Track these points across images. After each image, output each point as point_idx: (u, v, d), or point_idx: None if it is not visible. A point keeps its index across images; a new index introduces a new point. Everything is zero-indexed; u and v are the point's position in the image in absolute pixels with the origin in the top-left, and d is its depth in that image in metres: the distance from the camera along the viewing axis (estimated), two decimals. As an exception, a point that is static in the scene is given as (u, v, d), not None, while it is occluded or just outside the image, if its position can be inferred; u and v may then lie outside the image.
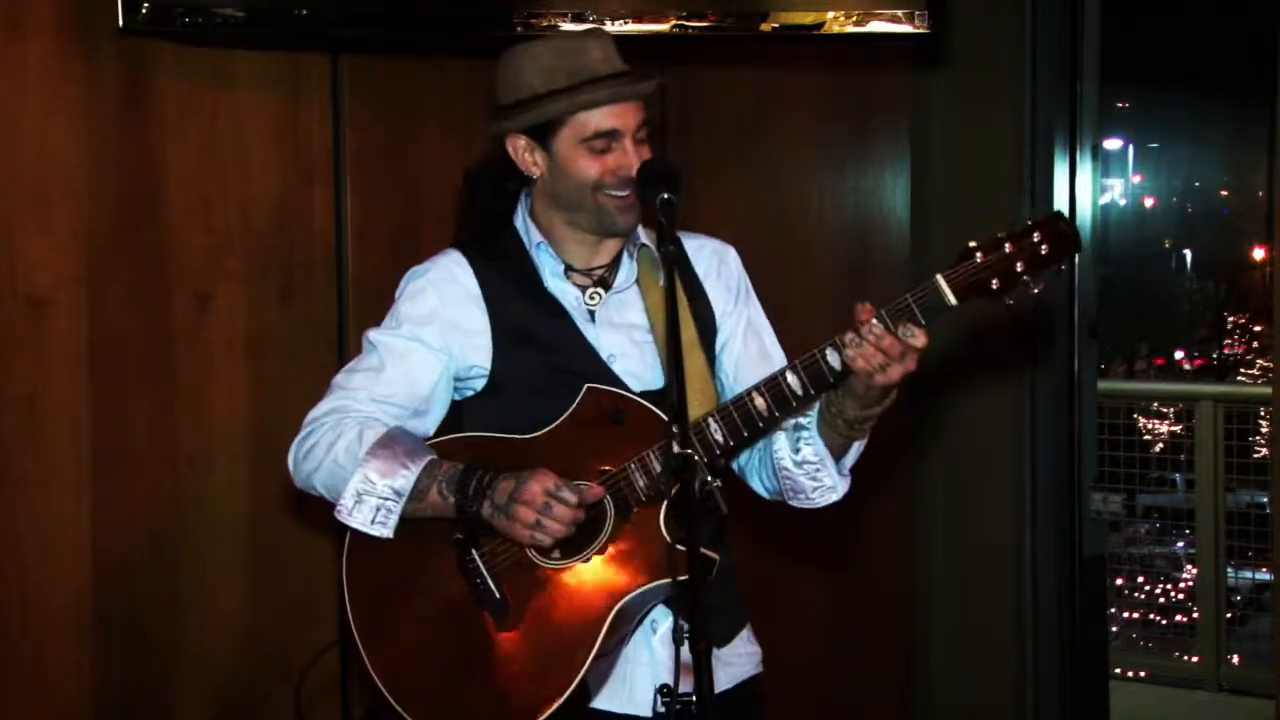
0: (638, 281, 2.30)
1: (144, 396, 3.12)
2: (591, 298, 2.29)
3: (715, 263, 2.38)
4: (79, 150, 3.03)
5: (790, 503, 2.31)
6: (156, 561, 3.14)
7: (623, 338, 2.28)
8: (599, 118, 2.20)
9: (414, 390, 2.25)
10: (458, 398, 2.30)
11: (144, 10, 2.91)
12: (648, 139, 2.24)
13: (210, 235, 3.18)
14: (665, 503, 2.10)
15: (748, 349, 2.36)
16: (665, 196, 2.05)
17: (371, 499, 2.14)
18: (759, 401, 2.09)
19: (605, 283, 2.30)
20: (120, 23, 2.91)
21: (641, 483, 2.12)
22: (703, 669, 1.80)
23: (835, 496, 2.27)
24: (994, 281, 2.01)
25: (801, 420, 2.23)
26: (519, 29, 3.09)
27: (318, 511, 3.24)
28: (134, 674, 3.12)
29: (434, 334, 2.26)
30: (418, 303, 2.28)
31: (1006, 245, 2.01)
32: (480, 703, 2.15)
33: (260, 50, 3.20)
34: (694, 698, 1.84)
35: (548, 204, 2.29)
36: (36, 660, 3.01)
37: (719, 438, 2.11)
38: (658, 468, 2.10)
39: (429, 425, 2.29)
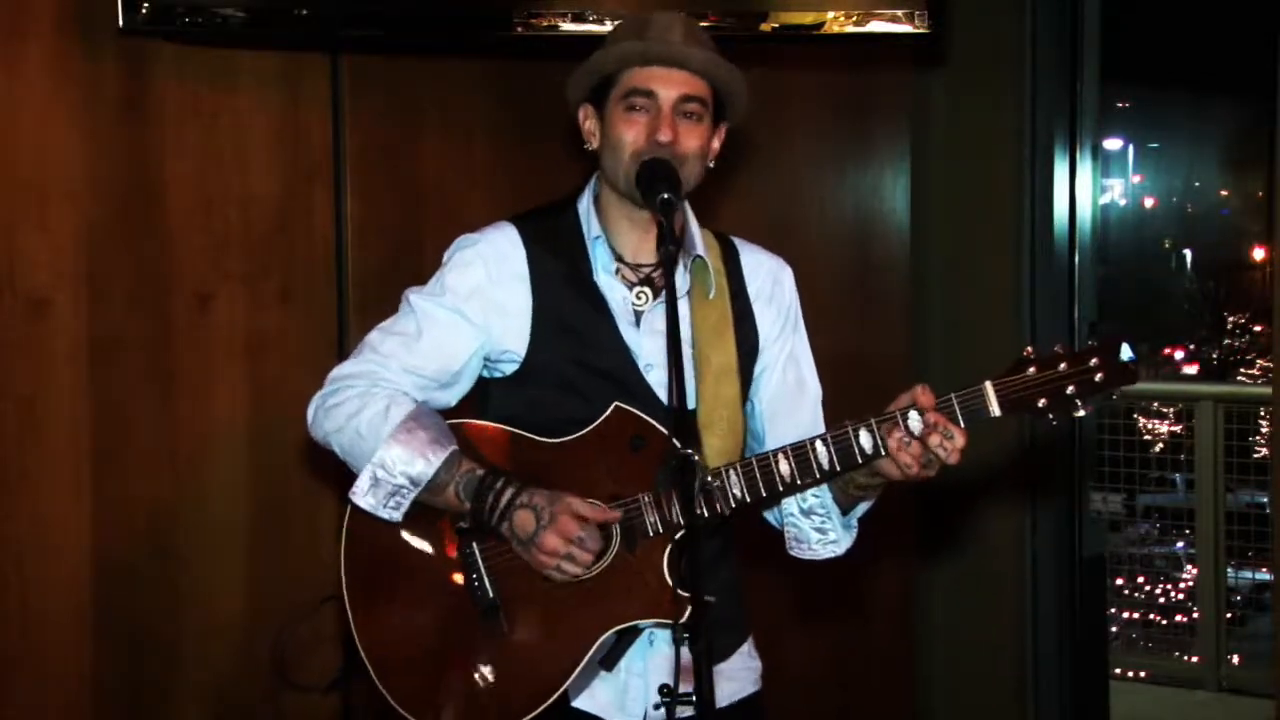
0: (689, 293, 2.23)
1: (144, 396, 3.12)
2: (638, 297, 2.21)
3: (769, 284, 2.32)
4: (79, 150, 3.03)
5: (791, 552, 2.28)
6: (156, 561, 3.14)
7: (662, 347, 2.18)
8: (637, 76, 2.12)
9: (446, 364, 2.19)
10: (486, 375, 2.25)
11: (144, 10, 2.92)
12: (701, 122, 2.14)
13: (210, 235, 3.18)
14: (670, 543, 2.09)
15: (786, 379, 2.31)
16: (665, 196, 2.02)
17: (386, 484, 2.11)
18: (783, 466, 2.07)
19: (651, 283, 2.21)
20: (120, 23, 2.92)
21: (650, 518, 2.09)
22: (702, 672, 1.79)
23: (839, 550, 2.27)
24: (1041, 400, 2.02)
25: None
26: (519, 29, 3.09)
27: (318, 510, 3.26)
28: (134, 674, 3.12)
29: (475, 310, 2.19)
30: (465, 274, 2.19)
31: (1062, 364, 2.01)
32: (455, 695, 2.14)
33: (260, 50, 3.20)
34: (694, 698, 1.83)
35: (603, 180, 2.22)
36: (36, 660, 3.01)
37: (737, 492, 2.09)
38: (668, 508, 2.07)
39: (453, 398, 2.24)
